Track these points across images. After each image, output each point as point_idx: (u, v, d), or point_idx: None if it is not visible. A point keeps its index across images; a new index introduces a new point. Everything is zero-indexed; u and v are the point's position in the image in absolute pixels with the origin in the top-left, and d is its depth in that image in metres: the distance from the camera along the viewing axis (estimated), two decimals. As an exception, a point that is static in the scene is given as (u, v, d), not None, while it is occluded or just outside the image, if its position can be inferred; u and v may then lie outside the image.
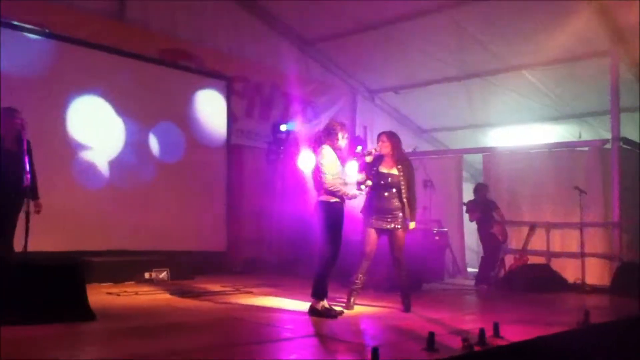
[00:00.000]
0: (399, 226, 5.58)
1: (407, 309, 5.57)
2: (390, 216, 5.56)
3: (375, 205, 5.57)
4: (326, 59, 11.21)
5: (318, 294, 5.11)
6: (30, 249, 5.03)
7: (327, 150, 5.23)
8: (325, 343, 4.17)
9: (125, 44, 8.17)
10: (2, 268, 4.68)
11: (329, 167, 5.15)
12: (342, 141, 5.27)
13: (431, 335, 3.67)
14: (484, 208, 8.87)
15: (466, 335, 3.81)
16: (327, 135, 5.31)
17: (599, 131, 10.79)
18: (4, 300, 4.32)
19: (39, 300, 4.32)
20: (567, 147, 9.85)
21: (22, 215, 5.38)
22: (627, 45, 8.69)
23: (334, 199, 5.16)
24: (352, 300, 5.54)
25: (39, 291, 4.36)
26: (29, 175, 5.34)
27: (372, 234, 5.58)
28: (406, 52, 10.04)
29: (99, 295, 5.83)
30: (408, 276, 5.75)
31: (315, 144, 5.37)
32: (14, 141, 5.54)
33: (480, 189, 9.15)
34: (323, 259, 5.15)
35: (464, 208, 9.33)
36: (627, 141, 9.01)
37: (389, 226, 5.57)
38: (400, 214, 5.58)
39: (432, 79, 10.81)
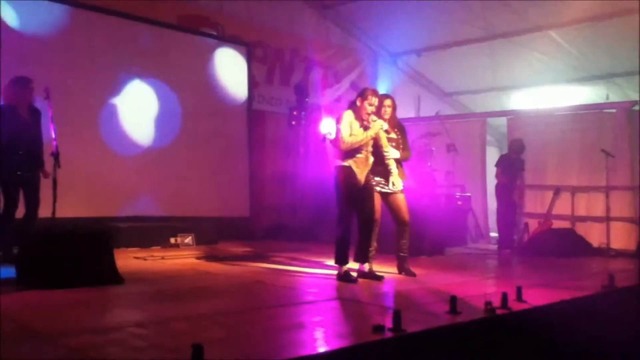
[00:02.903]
0: (401, 188, 5.53)
1: (411, 273, 5.52)
2: (388, 179, 5.47)
3: (376, 169, 5.41)
4: (346, 22, 11.05)
5: (337, 259, 5.14)
6: (58, 215, 5.13)
7: (345, 115, 5.18)
8: (348, 306, 4.21)
9: (145, 10, 8.15)
10: (33, 234, 4.80)
11: (343, 129, 5.10)
12: (370, 107, 5.14)
13: (453, 298, 3.68)
14: (512, 169, 8.70)
15: (489, 298, 3.81)
16: (355, 101, 5.25)
17: (627, 92, 10.55)
18: (34, 265, 4.44)
19: (69, 265, 4.42)
20: (594, 109, 9.64)
21: (49, 182, 5.47)
22: (658, 2, 8.40)
23: (344, 162, 5.12)
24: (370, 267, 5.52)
25: (69, 256, 4.45)
26: (55, 143, 5.39)
27: (377, 198, 5.47)
28: (428, 13, 9.84)
29: (127, 260, 5.95)
30: (408, 241, 5.64)
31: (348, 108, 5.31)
32: (28, 110, 5.59)
33: (515, 146, 8.94)
34: (337, 223, 5.15)
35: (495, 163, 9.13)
36: (656, 103, 8.79)
37: (389, 190, 5.50)
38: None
39: (455, 41, 10.61)
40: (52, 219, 5.06)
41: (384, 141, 5.37)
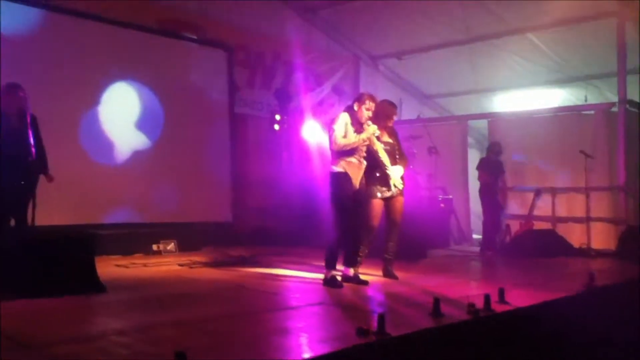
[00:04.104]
0: (401, 194, 5.59)
1: (393, 276, 5.57)
2: (389, 184, 5.52)
3: (376, 175, 5.47)
4: (328, 25, 11.07)
5: (327, 263, 5.14)
6: (38, 222, 5.07)
7: (341, 116, 5.17)
8: (332, 311, 4.22)
9: (125, 14, 8.07)
10: (13, 242, 4.74)
11: (338, 129, 5.10)
12: (366, 112, 5.14)
13: (436, 301, 3.70)
14: (494, 170, 8.82)
15: (472, 300, 3.84)
16: (352, 105, 5.26)
17: (605, 94, 10.69)
18: (14, 274, 4.38)
19: (49, 273, 4.36)
20: (572, 111, 9.78)
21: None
22: (633, 5, 8.50)
23: (338, 169, 5.13)
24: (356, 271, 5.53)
25: (49, 264, 4.40)
26: (34, 149, 5.33)
27: (379, 205, 5.52)
28: (409, 16, 9.90)
29: (108, 268, 5.89)
30: (396, 244, 5.70)
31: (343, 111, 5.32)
32: (17, 117, 5.52)
33: (494, 148, 9.07)
34: (333, 230, 5.17)
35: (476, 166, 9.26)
36: (633, 104, 8.92)
37: (391, 193, 5.55)
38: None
39: (436, 44, 10.66)
40: (32, 227, 5.00)
41: (383, 157, 5.39)
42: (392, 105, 5.74)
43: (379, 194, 5.49)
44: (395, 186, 5.49)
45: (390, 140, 5.66)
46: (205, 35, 9.18)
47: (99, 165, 7.66)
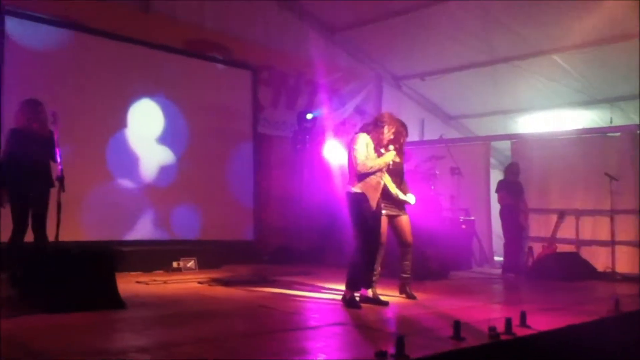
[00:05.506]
0: (404, 212, 5.61)
1: (412, 296, 5.56)
2: (396, 202, 5.53)
3: (383, 192, 5.40)
4: (352, 46, 11.15)
5: (348, 284, 5.11)
6: (61, 238, 5.14)
7: (361, 137, 5.15)
8: (351, 332, 4.19)
9: (151, 35, 8.24)
10: (34, 257, 4.81)
11: (361, 151, 5.07)
12: (387, 134, 5.13)
13: (457, 323, 3.65)
14: (513, 191, 8.74)
15: (493, 324, 3.78)
16: (372, 125, 5.24)
17: (630, 116, 10.57)
18: (35, 288, 4.44)
19: (69, 288, 4.41)
20: (597, 133, 9.66)
21: (54, 206, 5.50)
22: (659, 27, 8.45)
23: (355, 189, 5.08)
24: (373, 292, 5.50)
25: (69, 279, 4.45)
26: (60, 167, 5.42)
27: (384, 221, 5.49)
28: (432, 37, 9.93)
29: (129, 284, 5.94)
30: (411, 263, 5.68)
31: (360, 131, 5.30)
32: (38, 132, 5.61)
33: (511, 169, 9.01)
34: (353, 250, 5.15)
35: (495, 189, 9.19)
36: (659, 126, 8.80)
37: (396, 212, 5.54)
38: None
39: (459, 65, 10.67)
40: (56, 242, 5.07)
41: (388, 182, 5.39)
42: (402, 125, 5.72)
43: (384, 211, 5.44)
44: (405, 204, 5.54)
45: (398, 160, 5.66)
46: (230, 55, 9.30)
47: (123, 182, 7.78)
